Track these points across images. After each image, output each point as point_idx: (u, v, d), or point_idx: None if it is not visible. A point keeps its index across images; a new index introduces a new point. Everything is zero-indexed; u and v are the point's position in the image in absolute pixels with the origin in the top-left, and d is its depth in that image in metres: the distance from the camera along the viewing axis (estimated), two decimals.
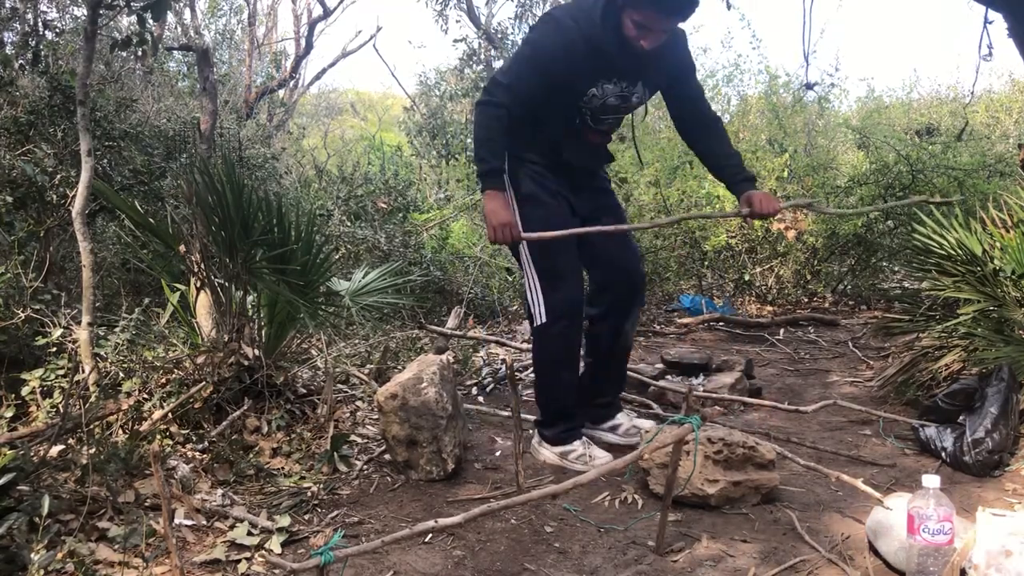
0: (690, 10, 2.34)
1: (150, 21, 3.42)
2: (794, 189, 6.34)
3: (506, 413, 3.28)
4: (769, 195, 2.61)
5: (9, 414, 2.65)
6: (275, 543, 2.09)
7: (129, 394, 2.79)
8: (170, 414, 2.74)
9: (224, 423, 2.78)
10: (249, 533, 2.13)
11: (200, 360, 2.95)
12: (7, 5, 5.41)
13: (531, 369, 4.24)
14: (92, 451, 2.31)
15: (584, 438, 2.76)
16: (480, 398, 3.71)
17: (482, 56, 12.45)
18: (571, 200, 2.68)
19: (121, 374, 2.89)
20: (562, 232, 2.47)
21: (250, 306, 3.10)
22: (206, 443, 2.69)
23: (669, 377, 3.70)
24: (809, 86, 5.00)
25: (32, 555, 1.80)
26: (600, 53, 2.42)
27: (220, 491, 2.37)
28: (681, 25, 2.48)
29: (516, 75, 2.49)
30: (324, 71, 23.94)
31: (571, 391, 2.78)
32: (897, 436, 2.96)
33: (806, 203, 2.94)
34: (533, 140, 2.61)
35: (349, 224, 5.96)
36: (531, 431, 2.87)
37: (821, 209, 3.20)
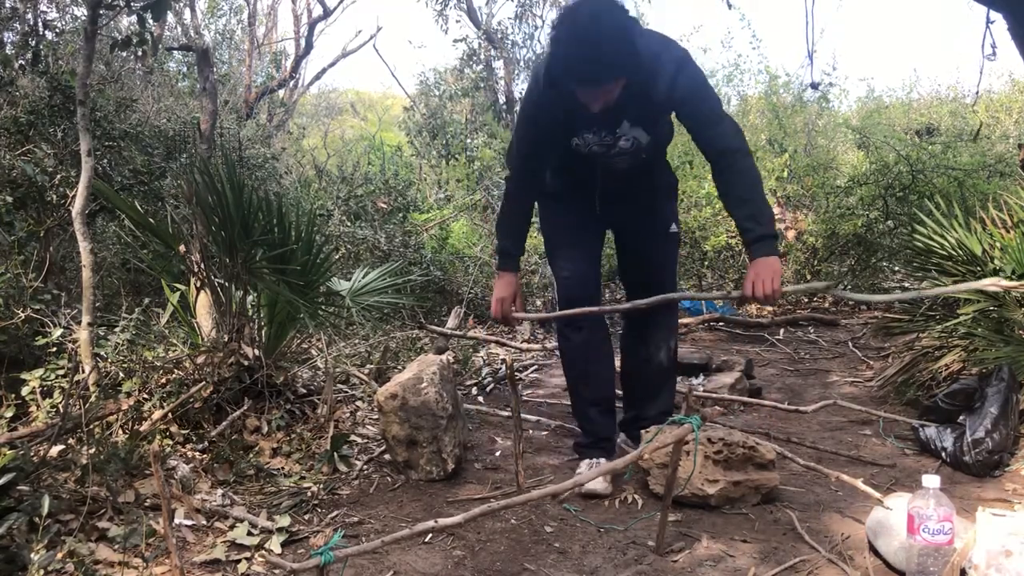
0: (611, 73, 2.13)
1: (150, 21, 3.41)
2: (794, 189, 6.34)
3: (506, 413, 3.28)
4: (774, 271, 2.16)
5: (9, 414, 2.64)
6: (275, 543, 2.09)
7: (129, 394, 2.78)
8: (170, 414, 2.74)
9: (224, 423, 2.78)
10: (249, 533, 2.14)
11: (200, 360, 2.95)
12: (7, 5, 5.40)
13: (531, 369, 4.28)
14: (92, 451, 2.31)
15: (591, 460, 2.62)
16: (480, 398, 3.71)
17: (482, 56, 12.43)
18: (599, 208, 2.64)
19: (121, 374, 2.89)
20: (551, 315, 2.54)
21: (250, 306, 3.10)
22: (206, 443, 2.69)
23: None
24: (814, 86, 4.99)
25: (32, 555, 1.80)
26: (558, 110, 2.36)
27: (220, 491, 2.37)
28: (681, 43, 2.34)
29: (519, 132, 2.55)
30: (324, 71, 23.87)
31: (586, 404, 2.70)
32: (897, 436, 2.96)
33: (823, 286, 2.37)
34: (556, 164, 2.64)
35: (349, 224, 5.97)
36: None
37: (844, 295, 2.61)
